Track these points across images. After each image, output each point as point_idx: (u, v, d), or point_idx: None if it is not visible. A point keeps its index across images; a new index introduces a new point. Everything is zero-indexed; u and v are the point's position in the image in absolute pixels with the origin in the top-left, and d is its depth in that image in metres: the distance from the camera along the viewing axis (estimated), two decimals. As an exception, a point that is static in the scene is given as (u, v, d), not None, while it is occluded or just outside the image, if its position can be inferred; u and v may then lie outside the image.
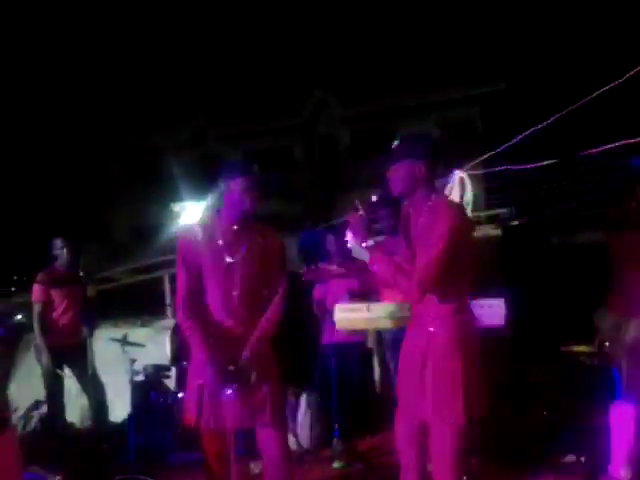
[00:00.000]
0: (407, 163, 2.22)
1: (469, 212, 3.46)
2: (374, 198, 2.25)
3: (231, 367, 2.45)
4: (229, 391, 2.43)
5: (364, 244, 2.21)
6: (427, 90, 14.71)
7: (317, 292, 4.47)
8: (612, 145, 3.04)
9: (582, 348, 4.70)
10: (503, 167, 3.32)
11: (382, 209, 3.48)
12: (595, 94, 2.93)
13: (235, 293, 2.51)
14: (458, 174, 3.32)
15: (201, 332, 2.49)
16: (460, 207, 2.26)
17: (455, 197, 3.35)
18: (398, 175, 2.25)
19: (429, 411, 2.22)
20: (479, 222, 6.32)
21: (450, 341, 2.20)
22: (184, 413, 2.63)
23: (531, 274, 6.15)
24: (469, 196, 3.27)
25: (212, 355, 2.44)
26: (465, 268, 2.22)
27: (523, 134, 3.23)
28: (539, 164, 3.07)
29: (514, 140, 3.33)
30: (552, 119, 2.99)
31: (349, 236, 2.24)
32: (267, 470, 2.61)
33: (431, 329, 2.24)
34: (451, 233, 2.12)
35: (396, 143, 2.27)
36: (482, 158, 3.40)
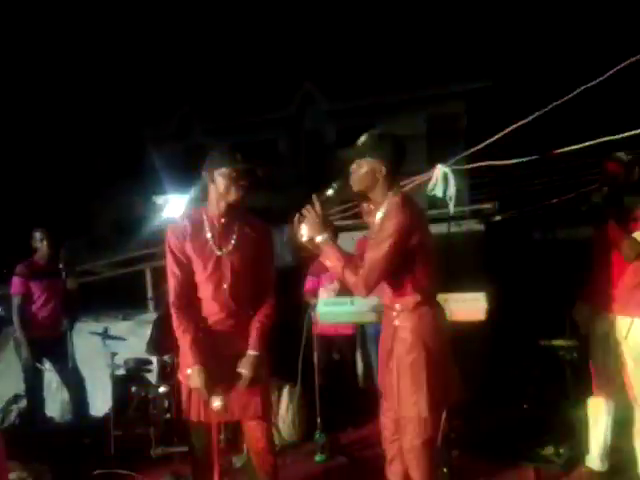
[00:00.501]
0: (369, 160, 2.25)
1: (452, 207, 3.47)
2: (330, 192, 2.25)
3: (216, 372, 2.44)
4: (216, 403, 2.44)
5: (318, 238, 2.23)
6: (413, 86, 14.74)
7: (308, 284, 4.51)
8: (591, 142, 3.07)
9: (561, 342, 4.77)
10: (485, 163, 3.34)
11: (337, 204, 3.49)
12: (577, 92, 2.96)
13: (225, 286, 2.50)
14: (441, 169, 3.33)
15: (192, 336, 2.47)
16: (413, 205, 2.22)
17: (438, 192, 3.36)
18: (359, 171, 2.28)
19: (396, 404, 2.26)
20: (463, 217, 6.36)
21: (412, 334, 2.23)
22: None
23: (513, 269, 6.23)
24: (452, 191, 3.28)
25: (199, 362, 2.43)
26: (423, 262, 2.23)
27: (507, 130, 3.25)
28: (521, 160, 3.09)
29: (498, 136, 3.35)
30: (535, 115, 3.01)
31: (303, 230, 2.26)
32: (254, 462, 2.63)
33: (396, 323, 2.28)
34: (399, 232, 2.14)
35: (362, 139, 2.29)
36: (466, 153, 3.42)
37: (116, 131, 16.12)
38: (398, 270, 2.21)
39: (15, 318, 4.29)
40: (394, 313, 2.29)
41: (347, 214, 5.39)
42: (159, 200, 5.70)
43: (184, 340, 2.48)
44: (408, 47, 15.34)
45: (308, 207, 2.26)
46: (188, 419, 2.56)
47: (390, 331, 2.31)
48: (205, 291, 2.51)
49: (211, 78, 16.95)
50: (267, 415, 2.61)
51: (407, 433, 2.25)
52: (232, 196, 2.47)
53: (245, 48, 17.29)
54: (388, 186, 2.26)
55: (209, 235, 2.51)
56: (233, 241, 2.52)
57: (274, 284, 2.63)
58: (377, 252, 2.16)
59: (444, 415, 2.47)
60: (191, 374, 2.45)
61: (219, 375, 2.46)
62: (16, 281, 4.34)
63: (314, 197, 2.25)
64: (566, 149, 3.10)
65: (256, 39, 17.20)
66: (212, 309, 2.52)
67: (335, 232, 2.38)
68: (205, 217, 2.54)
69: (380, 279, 2.19)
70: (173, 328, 2.53)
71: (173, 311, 2.51)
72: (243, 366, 2.48)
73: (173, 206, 5.36)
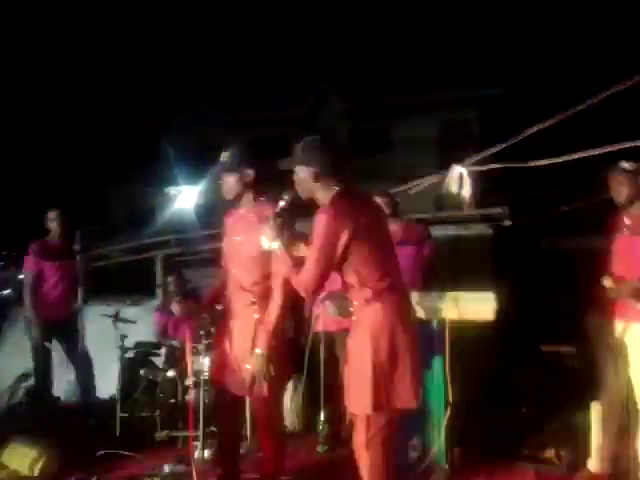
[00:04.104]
0: (303, 168, 2.31)
1: (466, 208, 3.50)
2: (282, 204, 2.36)
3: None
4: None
5: (274, 245, 2.34)
6: (426, 90, 14.74)
7: None
8: (603, 150, 3.10)
9: (564, 348, 4.80)
10: (503, 165, 3.37)
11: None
12: (599, 98, 2.99)
13: (234, 271, 2.68)
14: (457, 169, 3.36)
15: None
16: (343, 201, 2.26)
17: (453, 190, 3.39)
18: (298, 180, 2.34)
19: (346, 400, 2.28)
20: (472, 220, 6.37)
21: (361, 331, 2.23)
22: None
23: (520, 274, 6.24)
24: (467, 191, 3.31)
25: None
26: (364, 258, 2.21)
27: (521, 135, 3.28)
28: (537, 163, 3.12)
29: (512, 141, 3.38)
30: (555, 120, 3.04)
31: (263, 239, 2.38)
32: (261, 438, 2.85)
33: (353, 318, 2.32)
34: (324, 233, 2.18)
35: (296, 147, 2.36)
36: (482, 155, 3.45)
37: (133, 121, 16.22)
38: (341, 268, 2.24)
39: (26, 296, 4.31)
40: (352, 309, 2.31)
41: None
42: (172, 191, 5.76)
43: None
44: (423, 51, 15.36)
45: (266, 219, 2.42)
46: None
47: (352, 326, 2.34)
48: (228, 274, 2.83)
49: (225, 72, 17.02)
50: (274, 395, 2.74)
51: (355, 429, 2.27)
52: (237, 197, 2.81)
53: (262, 44, 17.34)
54: (325, 189, 2.30)
55: (230, 223, 2.85)
56: (244, 231, 2.73)
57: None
58: (309, 254, 2.23)
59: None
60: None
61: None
62: (29, 259, 4.38)
63: (271, 208, 2.41)
64: (580, 155, 3.12)
65: (274, 36, 17.25)
66: (229, 291, 2.86)
67: (298, 238, 2.47)
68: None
69: (317, 280, 2.22)
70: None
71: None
72: (250, 363, 2.62)
73: (185, 197, 5.41)
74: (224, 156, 2.68)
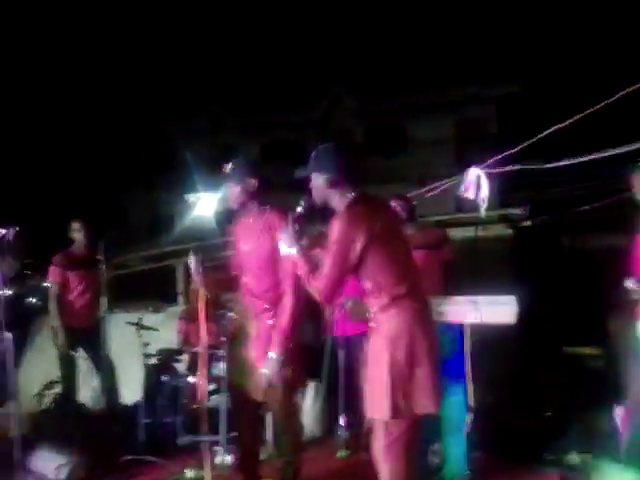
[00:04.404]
0: (318, 175, 2.33)
1: (483, 211, 3.47)
2: (299, 209, 2.38)
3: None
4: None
5: (292, 251, 2.35)
6: (442, 89, 14.65)
7: None
8: (625, 149, 3.04)
9: (586, 350, 4.73)
10: (519, 166, 3.33)
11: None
12: (613, 99, 2.94)
13: (246, 280, 2.78)
14: (474, 172, 3.34)
15: None
16: (358, 208, 2.28)
17: (471, 195, 3.37)
18: (315, 186, 2.36)
19: (366, 406, 2.28)
20: (491, 221, 6.32)
21: (379, 338, 2.23)
22: None
23: (540, 275, 6.17)
24: (485, 194, 3.29)
25: None
26: (380, 264, 2.22)
27: (541, 134, 3.24)
28: (556, 164, 3.08)
29: (531, 140, 3.34)
30: (570, 121, 3.00)
31: (281, 245, 2.42)
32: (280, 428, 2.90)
33: (371, 324, 2.31)
34: (339, 239, 2.20)
35: (313, 154, 2.39)
36: (500, 156, 3.42)
37: (152, 128, 16.43)
38: (358, 273, 2.25)
39: (52, 307, 4.41)
40: (371, 315, 2.31)
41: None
42: (191, 198, 5.82)
43: None
44: (439, 48, 15.25)
45: (283, 224, 2.44)
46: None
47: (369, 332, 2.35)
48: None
49: (241, 77, 17.13)
50: (289, 399, 2.80)
51: (375, 435, 2.27)
52: (245, 207, 2.91)
53: (276, 48, 17.40)
54: (340, 195, 2.32)
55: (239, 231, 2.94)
56: (253, 239, 2.81)
57: (296, 281, 2.69)
58: (325, 261, 2.23)
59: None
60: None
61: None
62: (54, 270, 4.47)
63: (289, 215, 2.41)
64: (601, 154, 3.07)
65: (288, 39, 17.30)
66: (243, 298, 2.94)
67: (316, 243, 2.51)
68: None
69: (333, 287, 2.24)
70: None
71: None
72: (265, 367, 2.68)
73: (204, 204, 5.46)
74: (228, 167, 2.78)
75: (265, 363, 2.69)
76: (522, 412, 4.14)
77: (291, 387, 2.78)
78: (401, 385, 2.17)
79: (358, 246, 2.19)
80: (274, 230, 2.67)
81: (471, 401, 3.12)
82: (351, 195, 2.31)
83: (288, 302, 2.69)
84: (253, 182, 2.77)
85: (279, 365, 2.66)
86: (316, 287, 2.26)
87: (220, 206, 4.87)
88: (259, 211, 2.80)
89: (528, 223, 6.28)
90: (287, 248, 2.40)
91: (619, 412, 3.17)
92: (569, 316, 5.52)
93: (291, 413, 2.85)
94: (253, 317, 2.83)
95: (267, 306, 2.76)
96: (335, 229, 2.22)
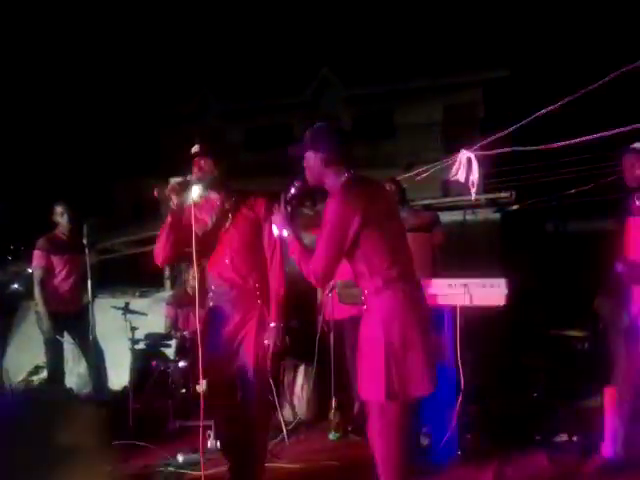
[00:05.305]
0: (312, 154, 2.29)
1: (474, 193, 3.47)
2: (292, 191, 2.34)
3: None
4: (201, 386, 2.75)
5: (284, 233, 2.33)
6: (430, 74, 14.61)
7: None
8: (609, 132, 3.04)
9: (573, 332, 4.79)
10: (509, 148, 3.33)
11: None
12: (606, 79, 2.93)
13: (227, 261, 2.75)
14: (465, 154, 3.33)
15: None
16: (353, 188, 2.23)
17: (461, 177, 3.36)
18: (308, 166, 2.32)
19: (360, 388, 2.28)
20: (479, 205, 6.34)
21: (372, 320, 2.21)
22: None
23: (528, 258, 6.23)
24: (475, 177, 3.28)
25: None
26: (375, 246, 2.19)
27: (529, 118, 3.23)
28: (547, 146, 3.08)
29: (521, 123, 3.33)
30: (562, 102, 2.99)
31: (273, 227, 2.40)
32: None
33: (364, 307, 2.29)
34: (334, 219, 2.17)
35: (307, 133, 2.34)
36: (490, 139, 3.41)
37: (137, 112, 16.18)
38: (352, 256, 2.22)
39: (36, 291, 4.32)
40: (363, 298, 2.28)
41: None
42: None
43: None
44: (426, 34, 15.18)
45: (276, 206, 2.40)
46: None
47: (362, 315, 2.33)
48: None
49: (229, 60, 16.91)
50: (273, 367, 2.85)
51: (370, 417, 2.27)
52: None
53: (264, 31, 17.18)
54: (335, 174, 2.27)
55: (214, 216, 2.84)
56: (230, 221, 2.79)
57: (281, 258, 2.76)
58: (319, 242, 2.20)
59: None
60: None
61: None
62: (38, 254, 4.37)
63: (281, 196, 2.37)
64: (581, 139, 3.06)
65: (275, 23, 17.09)
66: (219, 281, 2.87)
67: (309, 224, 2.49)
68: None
69: (328, 268, 2.21)
70: None
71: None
72: (266, 337, 2.72)
73: (190, 188, 5.39)
74: (195, 147, 2.77)
75: (266, 334, 2.71)
76: (511, 393, 4.19)
77: (275, 359, 2.84)
78: (396, 367, 2.16)
79: (353, 227, 2.15)
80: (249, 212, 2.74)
81: (461, 383, 3.13)
82: (346, 175, 2.27)
83: (279, 272, 2.75)
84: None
85: (280, 333, 2.70)
86: (310, 269, 2.22)
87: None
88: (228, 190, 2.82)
89: (515, 207, 6.31)
90: (278, 230, 2.37)
91: (606, 393, 3.21)
92: (555, 299, 5.59)
93: (267, 381, 2.89)
94: (235, 297, 2.78)
95: (257, 285, 2.77)
96: (330, 209, 2.18)
